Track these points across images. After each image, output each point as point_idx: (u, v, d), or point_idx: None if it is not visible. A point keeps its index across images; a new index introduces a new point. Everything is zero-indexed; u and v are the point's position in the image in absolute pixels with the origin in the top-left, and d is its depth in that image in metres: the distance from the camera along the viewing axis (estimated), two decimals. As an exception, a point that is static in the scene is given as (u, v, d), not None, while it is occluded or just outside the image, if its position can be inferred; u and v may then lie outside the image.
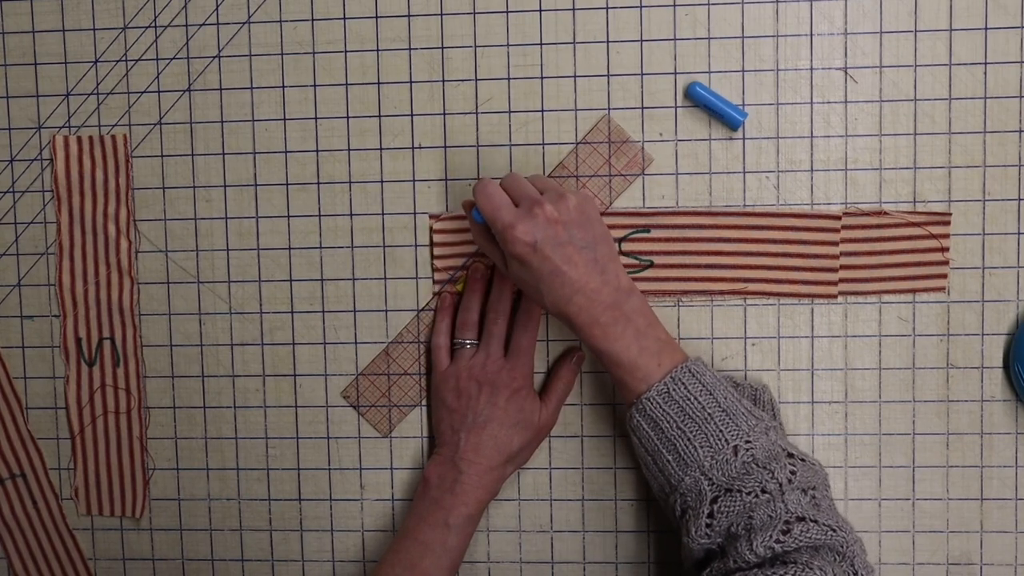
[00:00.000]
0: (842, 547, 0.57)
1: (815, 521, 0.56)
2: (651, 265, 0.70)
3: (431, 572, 0.65)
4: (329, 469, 0.74)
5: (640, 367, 0.61)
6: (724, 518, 0.57)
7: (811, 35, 0.68)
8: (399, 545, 0.67)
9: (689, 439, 0.59)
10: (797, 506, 0.57)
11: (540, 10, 0.70)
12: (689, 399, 0.60)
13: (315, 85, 0.71)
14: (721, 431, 0.59)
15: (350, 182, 0.72)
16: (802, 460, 0.59)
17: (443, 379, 0.69)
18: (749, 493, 0.57)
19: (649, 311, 0.62)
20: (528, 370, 0.69)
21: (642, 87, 0.69)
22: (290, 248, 0.73)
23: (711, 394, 0.60)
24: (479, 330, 0.70)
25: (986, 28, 0.67)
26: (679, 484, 0.59)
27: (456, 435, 0.68)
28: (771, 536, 0.56)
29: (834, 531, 0.56)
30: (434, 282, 0.72)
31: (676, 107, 0.69)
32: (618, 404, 0.71)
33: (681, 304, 0.70)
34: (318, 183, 0.72)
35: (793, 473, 0.58)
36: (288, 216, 0.72)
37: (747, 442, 0.59)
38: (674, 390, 0.60)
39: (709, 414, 0.59)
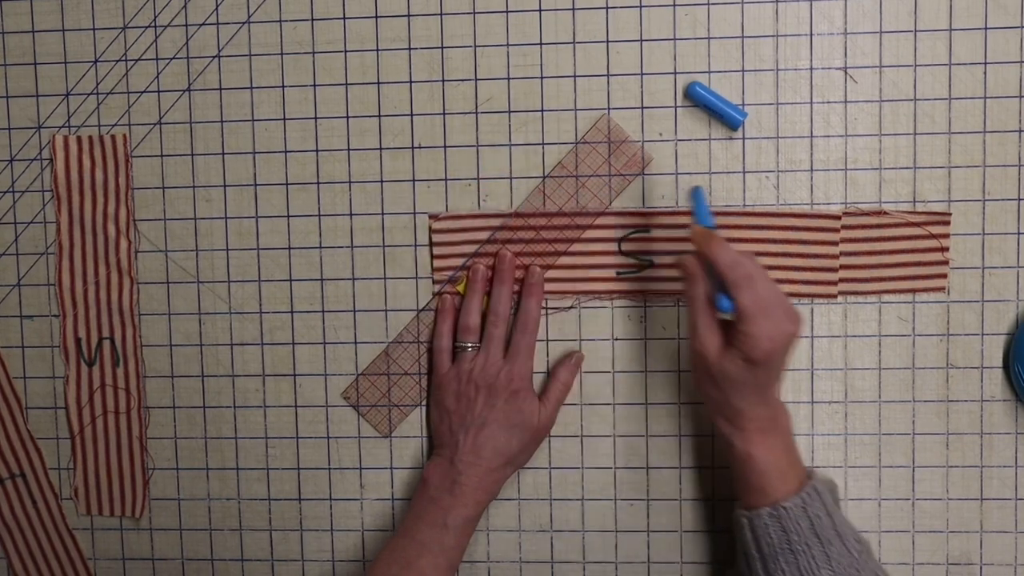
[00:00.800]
0: None
1: None
2: (651, 265, 0.70)
3: (428, 571, 0.65)
4: (329, 469, 0.74)
5: (787, 477, 0.61)
6: None
7: (811, 35, 0.68)
8: (396, 543, 0.67)
9: (813, 556, 0.59)
10: None
11: (540, 10, 0.70)
12: (819, 517, 0.60)
13: (315, 85, 0.71)
14: (841, 555, 0.59)
15: (350, 182, 0.72)
16: None
17: (443, 382, 0.69)
18: None
19: (791, 425, 0.64)
20: (527, 371, 0.69)
21: (642, 87, 0.69)
22: (290, 248, 0.73)
23: (831, 516, 0.61)
24: (481, 333, 0.70)
25: (986, 28, 0.67)
26: None
27: (455, 437, 0.68)
28: None
29: None
30: (434, 282, 0.72)
31: (676, 107, 0.69)
32: (617, 404, 0.71)
33: (681, 304, 0.70)
34: (318, 183, 0.72)
35: None
36: (288, 216, 0.72)
37: (856, 571, 0.59)
38: (809, 506, 0.60)
39: (830, 536, 0.60)
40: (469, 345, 0.69)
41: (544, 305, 0.71)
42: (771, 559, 0.60)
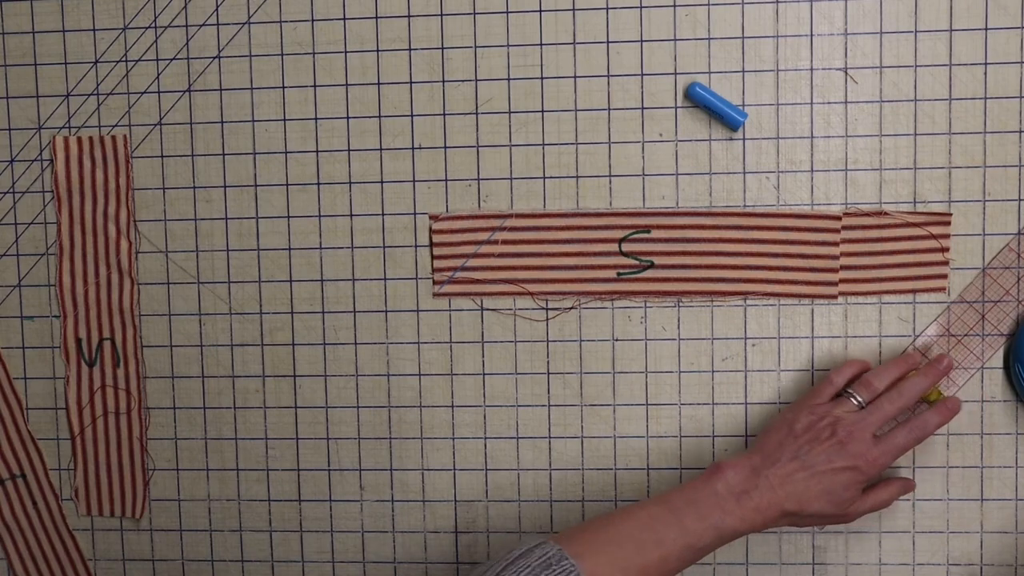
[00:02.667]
0: None
1: None
2: (651, 265, 0.70)
3: (672, 553, 0.60)
4: (329, 470, 0.74)
5: None
6: None
7: (811, 35, 0.68)
8: (653, 510, 0.62)
9: None
10: None
11: (540, 10, 0.70)
12: None
13: (315, 85, 0.71)
14: None
15: (350, 182, 0.72)
16: None
17: (811, 408, 0.66)
18: None
19: None
20: (881, 466, 0.64)
21: (642, 87, 0.69)
22: (290, 248, 0.73)
23: None
24: (873, 398, 0.66)
25: (986, 28, 0.67)
26: None
27: (778, 454, 0.63)
28: None
29: None
30: (434, 283, 0.72)
31: (676, 107, 0.69)
32: (618, 404, 0.71)
33: (681, 304, 0.70)
34: (318, 183, 0.72)
35: None
36: (288, 216, 0.72)
37: None
38: None
39: None
40: (857, 398, 0.65)
41: (545, 306, 0.71)
42: None
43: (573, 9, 0.69)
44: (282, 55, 0.71)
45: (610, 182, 0.70)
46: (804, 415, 0.65)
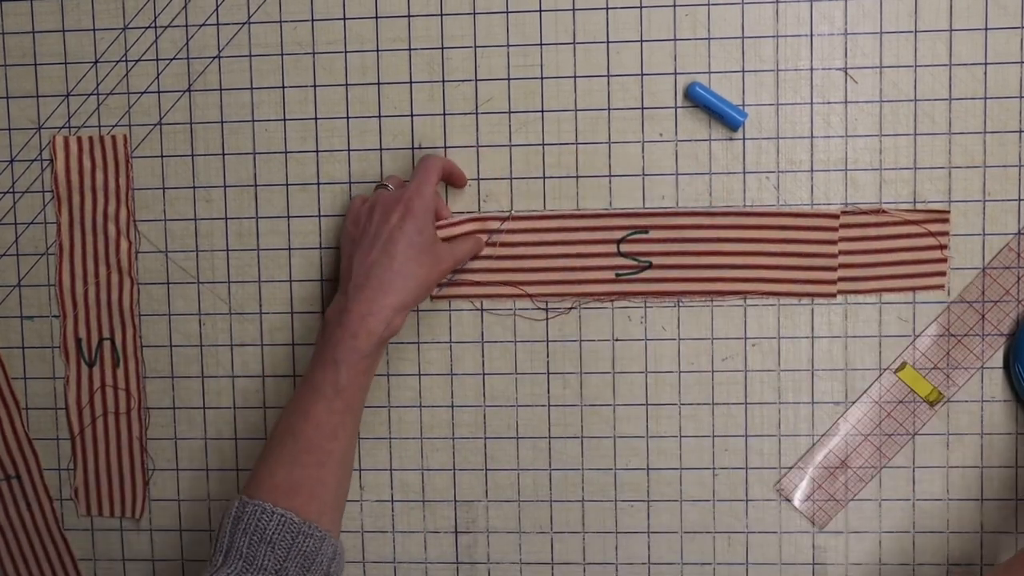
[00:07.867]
0: None
1: None
2: (650, 266, 0.70)
3: (323, 417, 0.60)
4: (329, 470, 0.74)
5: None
6: None
7: (811, 35, 0.68)
8: (297, 392, 0.62)
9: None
10: None
11: (540, 10, 0.70)
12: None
13: (315, 85, 0.71)
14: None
15: (350, 182, 0.72)
16: None
17: (348, 213, 0.67)
18: None
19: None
20: (426, 191, 0.64)
21: (642, 87, 0.69)
22: (290, 248, 0.73)
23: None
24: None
25: (986, 28, 0.67)
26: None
27: (350, 262, 0.63)
28: None
29: None
30: (434, 282, 0.72)
31: (676, 107, 0.69)
32: (618, 404, 0.71)
33: (681, 304, 0.70)
34: (318, 183, 0.72)
35: None
36: (288, 216, 0.72)
37: None
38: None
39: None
40: (390, 186, 0.66)
41: (545, 306, 0.71)
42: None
43: (573, 9, 0.69)
44: (282, 55, 0.71)
45: (610, 182, 0.70)
46: (347, 219, 0.66)
